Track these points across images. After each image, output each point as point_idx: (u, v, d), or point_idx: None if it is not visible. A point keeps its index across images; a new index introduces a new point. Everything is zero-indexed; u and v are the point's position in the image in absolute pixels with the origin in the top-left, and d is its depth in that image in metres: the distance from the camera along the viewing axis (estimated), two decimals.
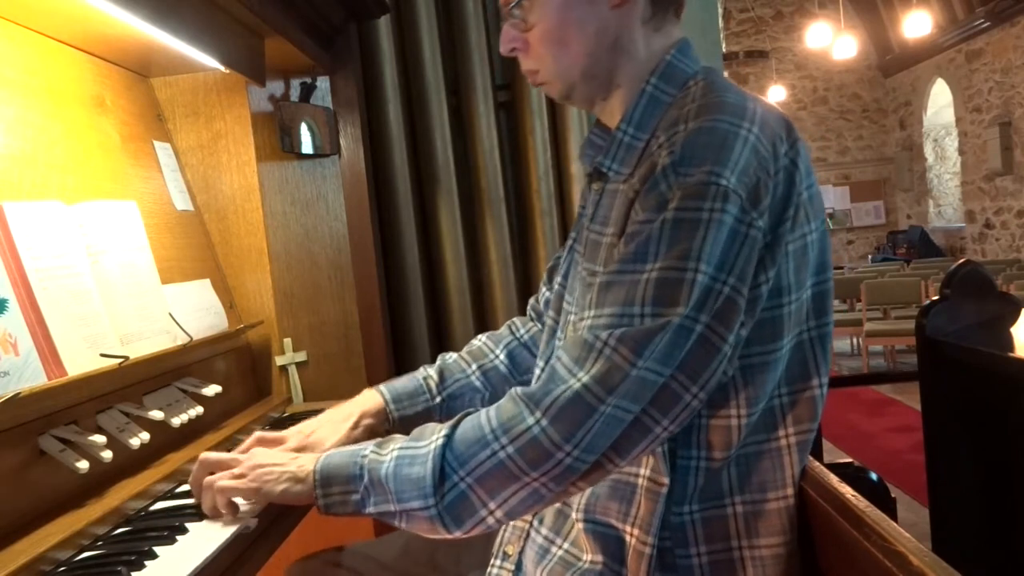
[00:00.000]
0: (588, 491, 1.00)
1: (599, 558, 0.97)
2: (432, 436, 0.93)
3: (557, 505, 1.04)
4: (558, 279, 1.17)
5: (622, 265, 0.89)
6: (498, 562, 1.09)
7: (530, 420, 0.87)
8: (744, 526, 0.96)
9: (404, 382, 1.29)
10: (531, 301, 1.38)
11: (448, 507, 0.90)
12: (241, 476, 1.00)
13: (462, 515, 0.90)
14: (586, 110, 1.14)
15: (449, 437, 0.92)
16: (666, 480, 0.94)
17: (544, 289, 1.33)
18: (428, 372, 1.31)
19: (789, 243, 0.92)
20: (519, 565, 1.06)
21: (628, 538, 0.96)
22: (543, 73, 1.06)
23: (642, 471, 0.96)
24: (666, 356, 0.85)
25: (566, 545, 1.01)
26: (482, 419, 0.91)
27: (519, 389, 0.91)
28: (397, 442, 0.96)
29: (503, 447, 0.87)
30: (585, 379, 0.86)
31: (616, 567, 0.96)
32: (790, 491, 0.97)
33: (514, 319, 1.39)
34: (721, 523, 0.96)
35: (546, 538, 1.04)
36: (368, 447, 0.97)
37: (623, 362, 0.85)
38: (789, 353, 0.96)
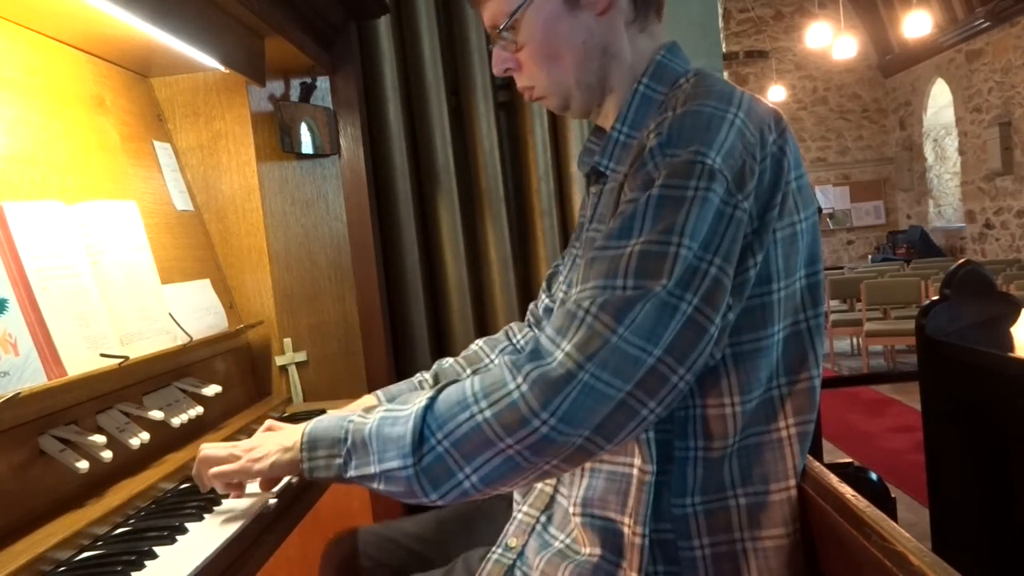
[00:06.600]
0: (585, 485, 1.00)
1: (597, 551, 0.97)
2: (416, 400, 0.94)
3: (565, 505, 1.05)
4: (561, 286, 1.18)
5: (606, 241, 0.90)
6: (499, 550, 1.10)
7: (511, 385, 0.87)
8: (747, 518, 0.96)
9: (400, 384, 1.34)
10: (530, 307, 1.40)
11: (425, 469, 0.90)
12: (235, 459, 1.03)
13: (439, 478, 0.90)
14: (585, 118, 1.16)
15: (432, 399, 0.92)
16: (650, 468, 0.95)
17: (543, 296, 1.34)
18: (423, 376, 1.35)
19: (777, 230, 0.93)
20: (521, 554, 1.07)
21: (626, 530, 0.96)
22: (539, 88, 1.08)
23: (634, 461, 0.96)
24: (650, 332, 0.85)
25: (567, 540, 1.02)
26: (466, 384, 0.92)
27: (507, 357, 0.92)
28: (383, 407, 0.98)
29: (481, 411, 0.88)
30: (567, 347, 0.86)
31: (615, 559, 0.97)
32: (792, 482, 0.98)
33: (511, 324, 1.40)
34: (724, 515, 0.96)
35: (552, 535, 1.05)
36: (356, 413, 0.99)
37: (603, 329, 0.85)
38: (786, 342, 0.97)
